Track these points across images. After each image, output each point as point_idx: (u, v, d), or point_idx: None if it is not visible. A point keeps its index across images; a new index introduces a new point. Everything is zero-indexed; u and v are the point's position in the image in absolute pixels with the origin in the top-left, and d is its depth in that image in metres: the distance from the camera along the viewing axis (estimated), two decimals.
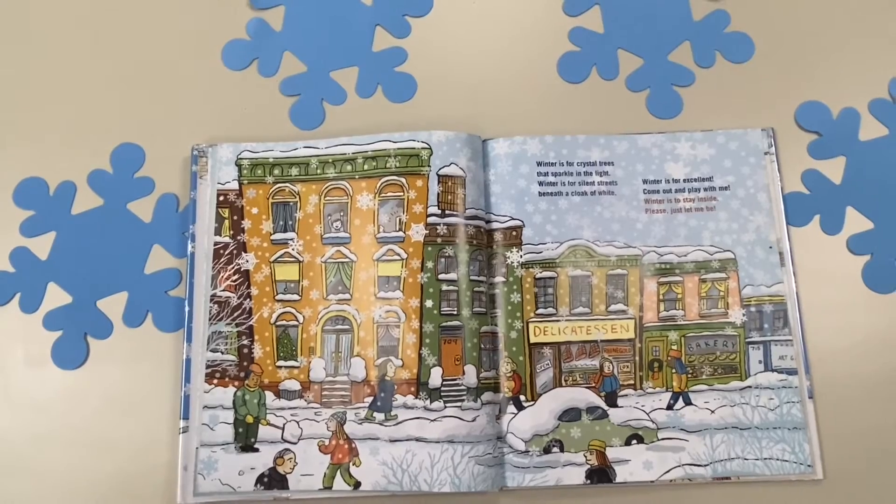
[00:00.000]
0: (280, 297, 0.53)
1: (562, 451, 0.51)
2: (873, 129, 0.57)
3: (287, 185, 0.55)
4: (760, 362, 0.52)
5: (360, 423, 0.51)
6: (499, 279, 0.53)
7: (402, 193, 0.54)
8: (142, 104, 0.58)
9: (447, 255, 0.52)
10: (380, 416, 0.51)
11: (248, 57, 0.59)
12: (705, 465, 0.50)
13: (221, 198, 0.55)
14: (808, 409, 0.51)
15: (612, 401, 0.52)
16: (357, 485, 0.49)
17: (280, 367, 0.52)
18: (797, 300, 0.53)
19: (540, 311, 0.53)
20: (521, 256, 0.54)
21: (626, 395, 0.52)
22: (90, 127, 0.58)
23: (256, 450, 0.50)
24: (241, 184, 0.55)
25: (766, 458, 0.50)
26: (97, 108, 0.58)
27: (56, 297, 0.54)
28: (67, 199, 0.56)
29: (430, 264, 0.52)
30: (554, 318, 0.53)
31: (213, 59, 0.59)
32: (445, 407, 0.50)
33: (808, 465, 0.50)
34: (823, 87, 0.58)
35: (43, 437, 0.52)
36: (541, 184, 0.55)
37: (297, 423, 0.51)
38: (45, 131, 0.58)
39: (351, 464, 0.50)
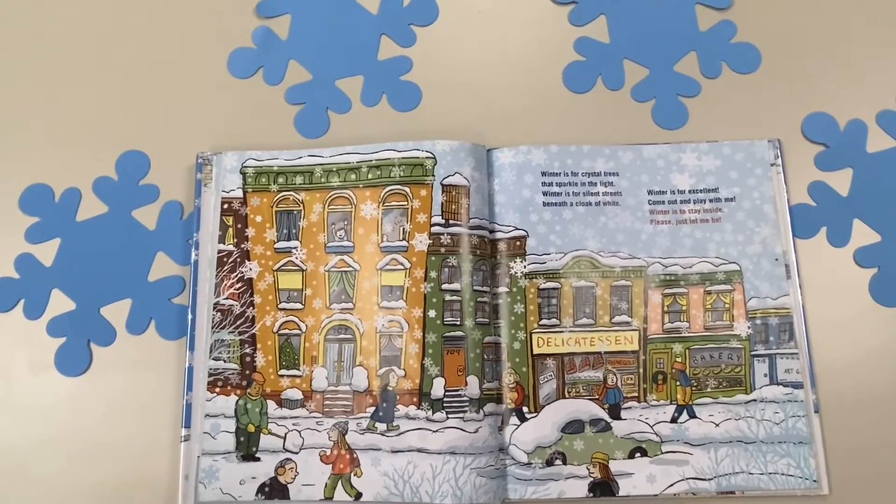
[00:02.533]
0: (283, 305, 0.53)
1: (564, 463, 0.50)
2: (881, 140, 0.57)
3: (291, 193, 0.55)
4: (766, 375, 0.52)
5: (362, 434, 0.50)
6: (502, 289, 0.53)
7: (405, 203, 0.54)
8: (147, 111, 0.59)
9: (451, 264, 0.52)
10: (382, 427, 0.50)
11: (254, 65, 0.60)
12: (709, 479, 0.50)
13: (226, 206, 0.55)
14: (814, 423, 0.51)
15: (615, 413, 0.52)
16: (358, 496, 0.49)
17: (282, 375, 0.52)
18: (803, 313, 0.53)
19: (543, 321, 0.53)
20: (524, 267, 0.53)
21: (630, 408, 0.52)
22: (95, 134, 0.58)
23: (258, 459, 0.50)
24: (245, 192, 0.55)
25: (770, 473, 0.50)
26: (103, 115, 0.59)
27: (60, 303, 0.54)
28: (72, 206, 0.56)
29: (433, 274, 0.52)
30: (557, 329, 0.53)
31: (219, 67, 0.59)
32: (448, 418, 0.50)
33: (814, 481, 0.50)
34: (830, 99, 0.58)
35: (45, 443, 0.52)
36: (545, 194, 0.55)
37: (299, 432, 0.51)
38: (51, 138, 0.58)
39: (352, 474, 0.50)
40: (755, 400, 0.51)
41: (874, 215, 0.55)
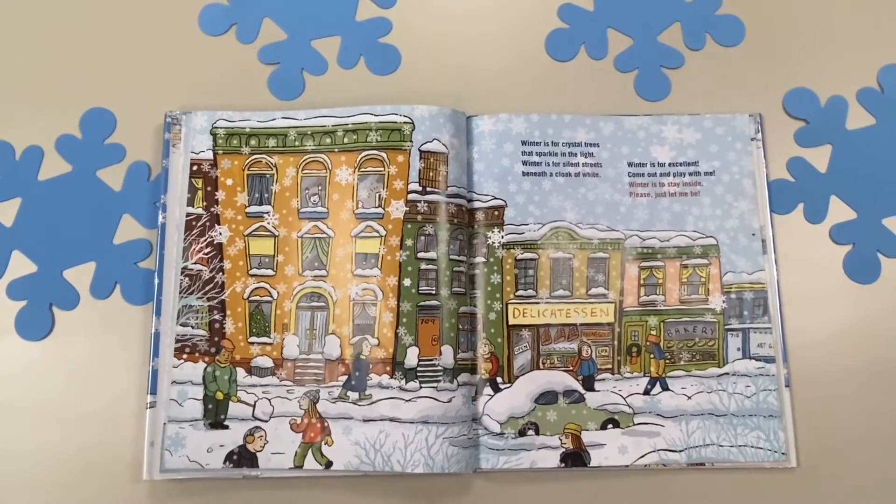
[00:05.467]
0: (254, 271, 0.52)
1: (537, 434, 0.50)
2: (861, 118, 0.57)
3: (264, 156, 0.53)
4: (739, 349, 0.52)
5: (334, 402, 0.50)
6: (479, 259, 0.52)
7: (382, 168, 0.52)
8: (114, 68, 0.56)
9: (427, 233, 0.51)
10: (354, 396, 0.50)
11: (227, 22, 0.57)
12: (680, 451, 0.50)
13: (195, 167, 0.53)
14: (785, 397, 0.51)
15: (589, 385, 0.51)
16: (329, 464, 0.48)
17: (252, 343, 0.51)
18: (777, 288, 0.53)
19: (520, 292, 0.52)
20: (502, 237, 0.53)
21: (604, 380, 0.52)
22: (60, 90, 0.56)
23: (226, 427, 0.49)
24: (215, 154, 0.53)
25: (740, 446, 0.50)
26: (67, 70, 0.56)
27: (20, 265, 0.53)
28: (34, 165, 0.54)
29: (409, 242, 0.51)
30: (534, 301, 0.52)
31: (190, 23, 0.57)
32: (421, 387, 0.49)
33: (783, 454, 0.50)
34: (812, 75, 0.57)
35: (5, 409, 0.50)
36: (525, 163, 0.54)
37: (269, 400, 0.50)
38: (12, 93, 0.56)
39: (323, 443, 0.49)
40: (727, 373, 0.52)
41: (851, 193, 0.55)
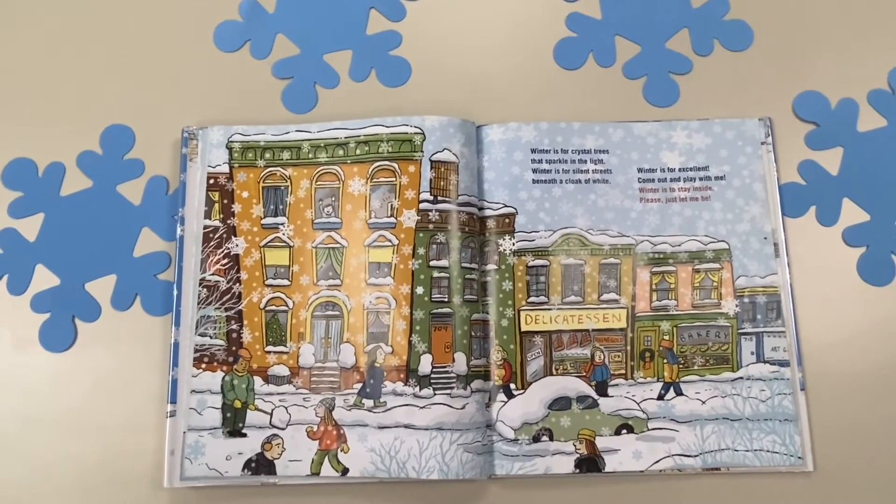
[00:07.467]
0: (270, 282, 0.53)
1: (551, 439, 0.50)
2: (872, 120, 0.57)
3: (278, 169, 0.54)
4: (753, 353, 0.52)
5: (349, 410, 0.50)
6: (491, 267, 0.53)
7: (394, 179, 0.53)
8: (132, 85, 0.58)
9: (439, 241, 0.52)
10: (369, 403, 0.50)
11: (241, 39, 0.59)
12: (695, 456, 0.50)
13: (212, 181, 0.54)
14: (800, 401, 0.51)
15: (602, 390, 0.52)
16: (345, 471, 0.49)
17: (269, 352, 0.52)
18: (791, 292, 0.53)
19: (532, 299, 0.53)
20: (513, 244, 0.53)
21: (617, 385, 0.52)
22: (80, 108, 0.57)
23: (244, 435, 0.50)
24: (231, 167, 0.54)
25: (756, 450, 0.50)
26: (87, 88, 0.58)
27: (44, 279, 0.54)
28: (56, 181, 0.56)
29: (421, 251, 0.52)
30: (546, 307, 0.53)
31: (205, 41, 0.59)
32: (435, 394, 0.50)
33: (799, 458, 0.50)
34: (822, 77, 0.57)
35: (29, 419, 0.52)
36: (535, 171, 0.54)
37: (286, 408, 0.51)
38: (35, 112, 0.57)
39: (339, 450, 0.50)
40: (742, 378, 0.51)
41: (864, 195, 0.55)
